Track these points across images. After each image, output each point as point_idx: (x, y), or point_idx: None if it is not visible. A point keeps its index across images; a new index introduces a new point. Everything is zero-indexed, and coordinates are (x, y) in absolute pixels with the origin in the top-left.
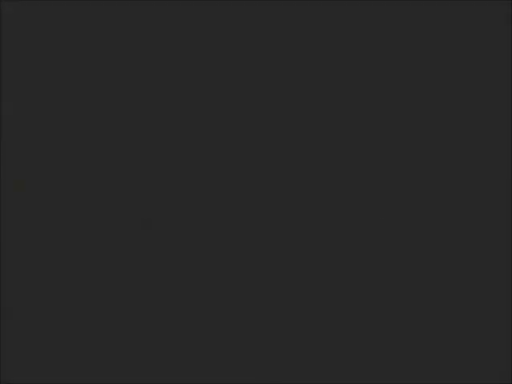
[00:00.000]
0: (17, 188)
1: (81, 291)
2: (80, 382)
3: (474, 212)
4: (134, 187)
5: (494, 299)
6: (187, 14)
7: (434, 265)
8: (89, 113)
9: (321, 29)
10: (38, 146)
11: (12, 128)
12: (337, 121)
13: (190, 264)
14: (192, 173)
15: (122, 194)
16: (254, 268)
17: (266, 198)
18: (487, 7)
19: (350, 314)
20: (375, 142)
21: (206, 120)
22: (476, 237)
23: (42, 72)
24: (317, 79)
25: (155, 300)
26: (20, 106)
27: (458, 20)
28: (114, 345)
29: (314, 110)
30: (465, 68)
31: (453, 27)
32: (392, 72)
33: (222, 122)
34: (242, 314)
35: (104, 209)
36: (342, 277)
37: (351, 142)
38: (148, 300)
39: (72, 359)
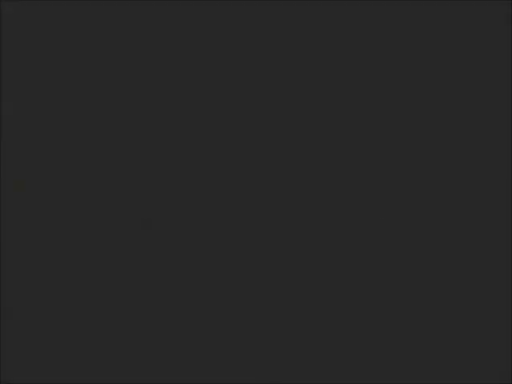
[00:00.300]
0: (17, 188)
1: (81, 291)
2: (80, 382)
3: (474, 212)
4: (133, 187)
5: (494, 299)
6: (187, 14)
7: (434, 265)
8: (89, 113)
9: (321, 29)
10: (38, 146)
11: (12, 128)
12: (337, 121)
13: (190, 264)
14: (192, 173)
15: (122, 194)
16: (253, 268)
17: (265, 198)
18: (487, 7)
19: (350, 313)
20: (375, 141)
21: (205, 120)
22: (476, 237)
23: (42, 72)
24: (317, 79)
25: (155, 300)
26: (20, 105)
27: (458, 20)
28: (114, 345)
29: (314, 110)
30: (465, 68)
31: (453, 27)
32: (392, 72)
33: (222, 122)
34: (242, 314)
35: (104, 209)
36: (342, 276)
37: (351, 141)
38: (148, 300)
39: (72, 359)
